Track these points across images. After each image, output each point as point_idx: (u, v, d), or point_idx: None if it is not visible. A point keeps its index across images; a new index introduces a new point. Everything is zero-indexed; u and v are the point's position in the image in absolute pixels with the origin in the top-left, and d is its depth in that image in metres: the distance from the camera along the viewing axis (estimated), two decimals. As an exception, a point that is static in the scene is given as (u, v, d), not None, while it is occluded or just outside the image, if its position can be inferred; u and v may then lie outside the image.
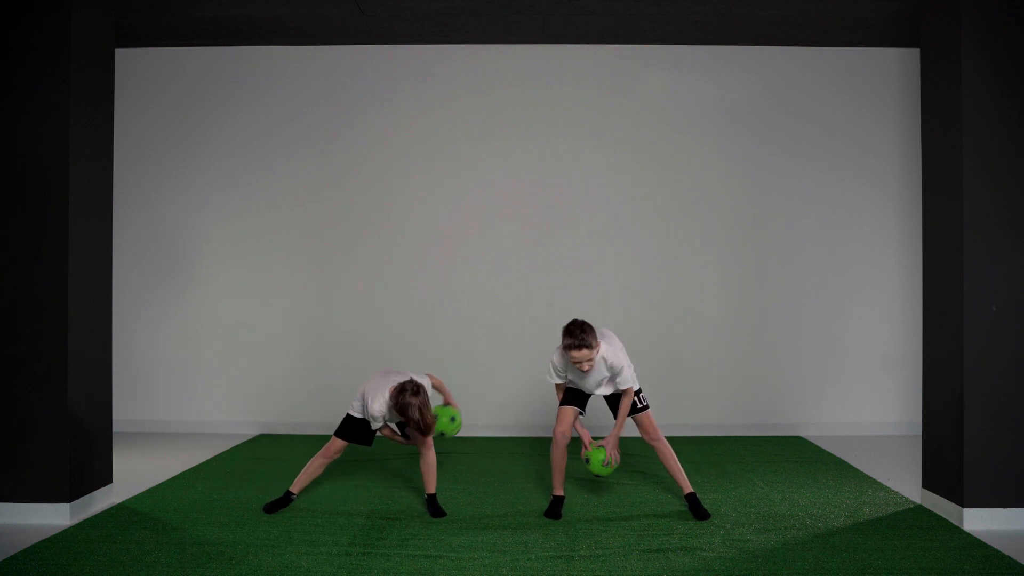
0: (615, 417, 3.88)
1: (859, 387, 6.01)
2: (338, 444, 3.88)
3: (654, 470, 4.80)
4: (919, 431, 5.72)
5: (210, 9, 5.29)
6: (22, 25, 3.73)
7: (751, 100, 6.06)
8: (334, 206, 6.07)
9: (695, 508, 3.83)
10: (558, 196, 6.03)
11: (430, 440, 3.85)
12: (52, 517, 3.69)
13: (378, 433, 3.90)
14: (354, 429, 3.87)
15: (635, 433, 5.64)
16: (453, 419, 4.05)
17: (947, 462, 3.84)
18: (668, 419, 5.65)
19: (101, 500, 4.00)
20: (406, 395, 3.61)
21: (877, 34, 5.74)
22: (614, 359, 3.69)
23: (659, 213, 6.04)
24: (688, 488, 3.89)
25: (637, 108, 6.04)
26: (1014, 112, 3.73)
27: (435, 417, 3.76)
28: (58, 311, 3.71)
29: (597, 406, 4.67)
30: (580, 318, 3.68)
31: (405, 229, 6.05)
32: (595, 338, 3.59)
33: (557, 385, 3.91)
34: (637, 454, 5.25)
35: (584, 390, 3.87)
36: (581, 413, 3.91)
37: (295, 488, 3.93)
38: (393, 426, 3.95)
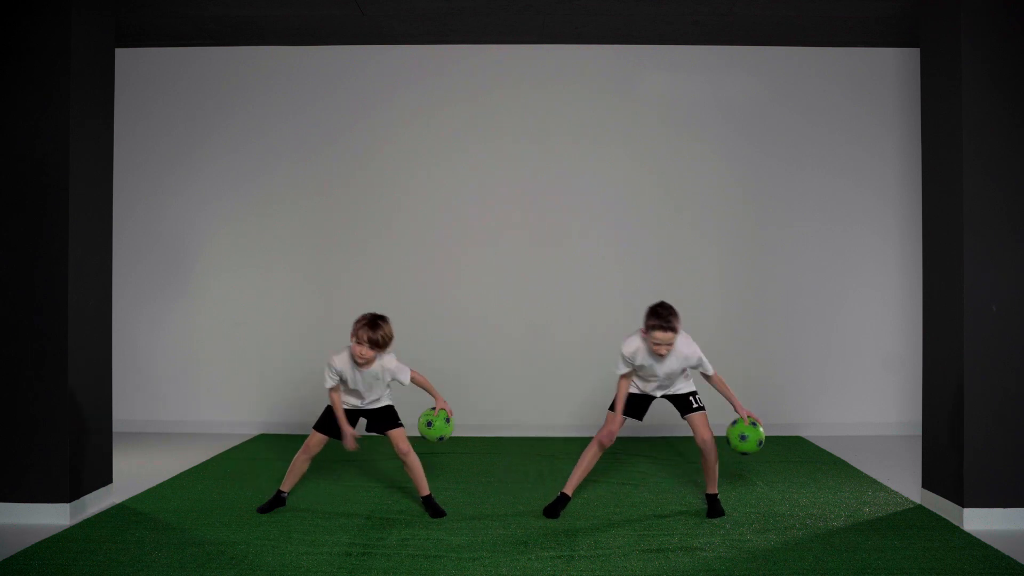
0: (682, 414, 3.86)
1: (859, 387, 6.01)
2: (317, 438, 3.85)
3: (654, 470, 4.80)
4: (919, 431, 5.71)
5: (211, 9, 5.29)
6: (22, 25, 3.73)
7: (751, 100, 6.06)
8: (334, 206, 6.07)
9: (712, 507, 3.85)
10: (558, 196, 6.03)
11: (406, 446, 3.84)
12: (52, 517, 3.69)
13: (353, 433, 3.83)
14: (331, 421, 3.86)
15: (646, 434, 5.66)
16: (448, 420, 3.97)
17: (947, 462, 3.84)
18: (669, 419, 5.65)
19: (101, 500, 4.00)
20: (361, 320, 3.64)
21: (877, 34, 5.74)
22: (688, 350, 3.68)
23: (659, 213, 6.04)
24: (713, 489, 3.89)
25: (637, 108, 6.04)
26: (1014, 111, 3.73)
27: (388, 333, 3.67)
28: (58, 311, 3.71)
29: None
30: (665, 301, 3.66)
31: (405, 228, 6.05)
32: (679, 322, 3.59)
33: (622, 379, 3.80)
34: (638, 454, 5.25)
35: (650, 384, 3.80)
36: (637, 420, 3.90)
37: (284, 487, 3.93)
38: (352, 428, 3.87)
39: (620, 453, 5.27)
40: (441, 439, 3.89)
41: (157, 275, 6.08)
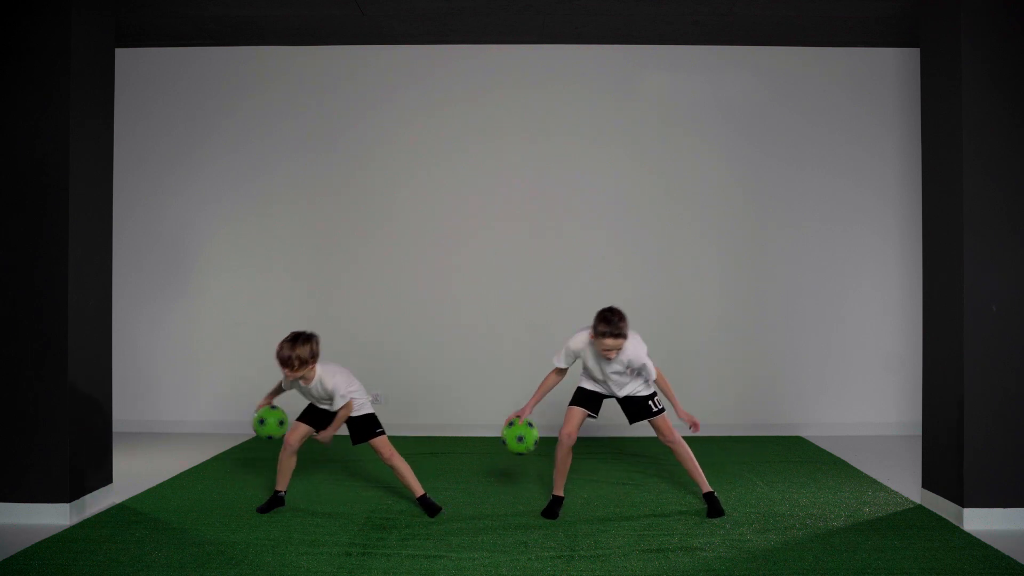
0: (630, 421, 3.88)
1: (859, 387, 6.01)
2: (299, 431, 3.82)
3: (654, 471, 4.80)
4: (919, 431, 5.72)
5: (211, 9, 5.29)
6: (22, 25, 3.73)
7: (751, 100, 6.06)
8: (334, 206, 6.07)
9: (712, 506, 3.85)
10: (558, 196, 6.03)
11: (389, 451, 3.82)
12: (52, 517, 3.69)
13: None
14: (313, 412, 3.85)
15: (646, 434, 5.65)
16: (281, 422, 3.82)
17: (947, 462, 3.84)
18: (670, 419, 5.64)
19: (101, 500, 4.00)
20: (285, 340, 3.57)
21: (877, 34, 5.74)
22: (634, 353, 3.67)
23: (659, 213, 6.04)
24: (706, 487, 3.90)
25: (637, 108, 6.04)
26: (1014, 111, 3.73)
27: (292, 353, 3.55)
28: (58, 311, 3.71)
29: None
30: (614, 306, 3.64)
31: (405, 229, 6.05)
32: (628, 329, 3.59)
33: (555, 371, 3.83)
34: (638, 455, 5.25)
35: (596, 380, 3.82)
36: (591, 416, 3.88)
37: (280, 486, 3.93)
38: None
39: (620, 453, 5.27)
40: (270, 438, 3.84)
41: (157, 275, 6.08)
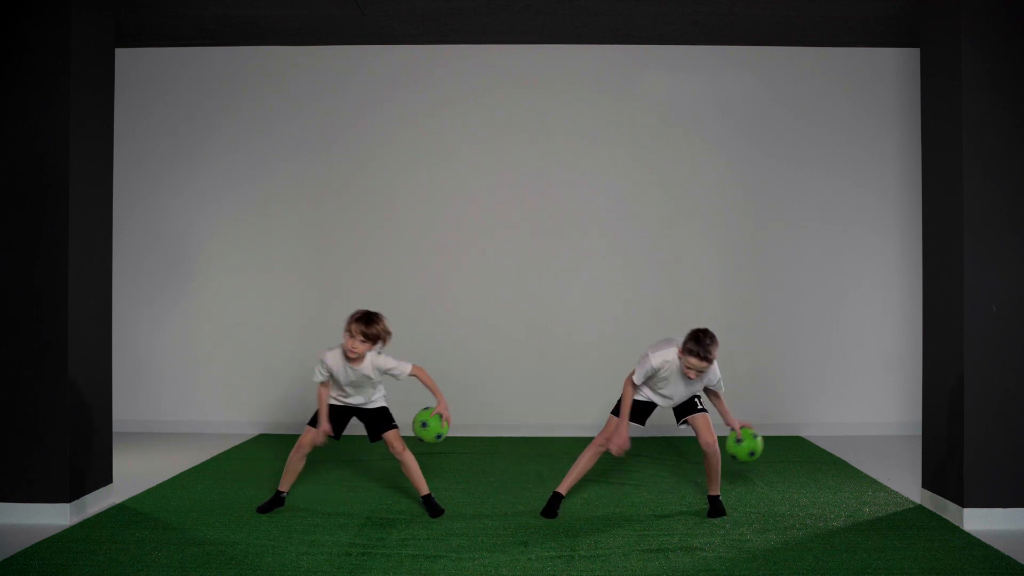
0: (685, 416, 3.85)
1: (859, 387, 6.01)
2: (310, 435, 3.83)
3: (654, 471, 4.80)
4: (919, 431, 5.71)
5: (211, 9, 5.29)
6: (22, 25, 3.73)
7: (751, 100, 6.06)
8: (334, 206, 6.07)
9: (714, 507, 3.85)
10: (558, 196, 6.03)
11: (401, 446, 3.83)
12: (52, 517, 3.69)
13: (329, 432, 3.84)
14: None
15: (646, 434, 5.65)
16: (424, 424, 3.83)
17: (947, 462, 3.84)
18: (669, 419, 5.64)
19: (101, 500, 4.00)
20: (355, 314, 3.62)
21: (877, 34, 5.73)
22: (713, 374, 3.69)
23: (659, 213, 6.04)
24: (715, 491, 3.88)
25: (637, 108, 6.04)
26: (1014, 111, 3.73)
27: (383, 328, 3.65)
28: (58, 311, 3.71)
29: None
30: (706, 328, 3.61)
31: (405, 229, 6.05)
32: (716, 352, 3.56)
33: (631, 386, 3.76)
34: (638, 455, 5.25)
35: (665, 399, 3.79)
36: (639, 424, 3.88)
37: (283, 487, 3.92)
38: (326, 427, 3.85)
39: (620, 453, 5.26)
40: (439, 437, 3.81)
41: (157, 275, 6.08)
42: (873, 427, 5.99)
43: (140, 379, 6.05)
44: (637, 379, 3.71)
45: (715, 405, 3.89)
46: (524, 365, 5.96)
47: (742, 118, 6.05)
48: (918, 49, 5.55)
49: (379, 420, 3.87)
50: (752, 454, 3.79)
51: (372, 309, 3.75)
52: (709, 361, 3.53)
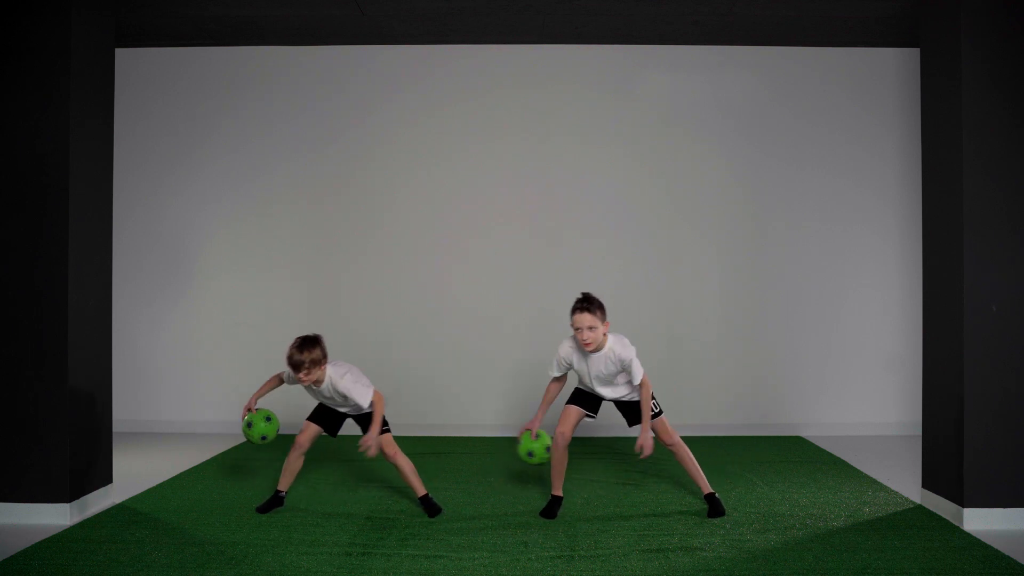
0: (629, 423, 3.88)
1: (859, 387, 6.01)
2: (310, 431, 3.83)
3: (654, 471, 4.80)
4: (919, 431, 5.71)
5: (211, 9, 5.29)
6: (22, 25, 3.73)
7: (751, 100, 6.06)
8: (334, 206, 6.07)
9: (713, 506, 3.84)
10: (558, 196, 6.03)
11: (393, 449, 3.82)
12: (52, 517, 3.69)
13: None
14: (322, 412, 3.87)
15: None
16: (268, 419, 3.80)
17: (947, 462, 3.84)
18: (669, 419, 5.64)
19: (101, 500, 4.00)
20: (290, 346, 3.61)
21: (877, 34, 5.74)
22: (623, 352, 3.67)
23: (659, 213, 6.04)
24: (707, 489, 3.89)
25: (637, 108, 6.04)
26: (1014, 111, 3.73)
27: (303, 358, 3.58)
28: (58, 311, 3.71)
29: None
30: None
31: (405, 229, 6.05)
32: (602, 312, 3.62)
33: (553, 381, 3.85)
34: (637, 454, 5.25)
35: (590, 386, 3.81)
36: (590, 416, 3.87)
37: (281, 486, 3.92)
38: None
39: (620, 453, 5.27)
40: (264, 439, 3.79)
41: (157, 275, 6.08)
42: (873, 427, 5.99)
43: (140, 379, 6.06)
44: (551, 371, 3.83)
45: (640, 396, 3.79)
46: (524, 365, 5.96)
47: (742, 118, 6.05)
48: (918, 49, 5.55)
49: (369, 423, 3.83)
50: (530, 455, 3.75)
51: (307, 334, 3.69)
52: (591, 313, 3.58)
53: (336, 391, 3.70)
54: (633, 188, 6.03)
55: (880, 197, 6.06)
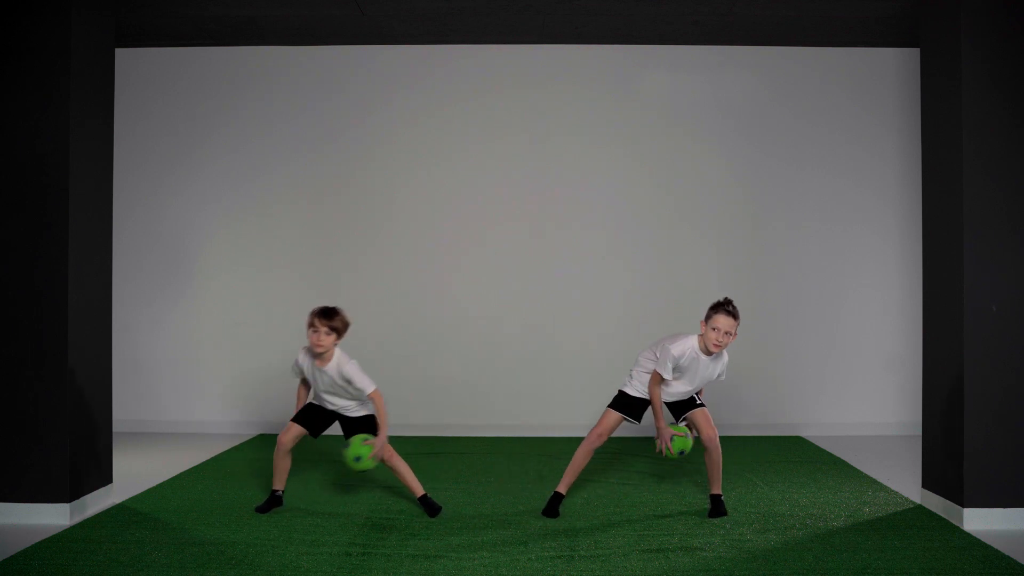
0: (678, 419, 3.92)
1: (859, 387, 6.01)
2: (292, 432, 3.81)
3: (654, 471, 4.80)
4: (919, 431, 5.69)
5: (211, 9, 5.29)
6: (22, 25, 3.73)
7: (751, 100, 6.06)
8: (334, 206, 6.07)
9: (715, 507, 3.84)
10: (558, 196, 6.03)
11: (388, 452, 3.81)
12: (52, 517, 3.69)
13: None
14: (307, 413, 3.87)
15: (646, 434, 5.65)
16: (358, 459, 3.64)
17: (947, 462, 3.84)
18: (669, 418, 5.64)
19: (101, 500, 4.00)
20: (315, 310, 3.66)
21: (877, 34, 5.74)
22: (726, 357, 3.77)
23: (659, 213, 6.04)
24: (717, 490, 3.88)
25: (637, 108, 6.04)
26: (1014, 111, 3.73)
27: (343, 320, 3.69)
28: (58, 311, 3.71)
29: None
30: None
31: (405, 229, 6.05)
32: (737, 323, 3.64)
33: (657, 382, 3.72)
34: (638, 455, 5.25)
35: (675, 395, 3.80)
36: (633, 421, 3.86)
37: (276, 486, 3.92)
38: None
39: (620, 453, 5.27)
40: (364, 471, 3.76)
41: (157, 275, 6.08)
42: (873, 427, 5.99)
43: (140, 379, 6.05)
44: (665, 373, 3.68)
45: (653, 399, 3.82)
46: (524, 365, 5.96)
47: (742, 118, 6.05)
48: (918, 49, 5.55)
49: (364, 428, 3.83)
50: (682, 452, 3.75)
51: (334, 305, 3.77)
52: (737, 318, 3.61)
53: (341, 374, 3.70)
54: (633, 188, 6.03)
55: (880, 197, 6.05)
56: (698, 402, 3.87)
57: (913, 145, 6.00)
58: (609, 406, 3.87)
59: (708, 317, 3.65)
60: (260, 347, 6.03)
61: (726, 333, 3.61)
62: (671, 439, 3.70)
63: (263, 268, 6.06)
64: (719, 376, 3.83)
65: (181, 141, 6.10)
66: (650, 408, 3.82)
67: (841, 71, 6.06)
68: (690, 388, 3.80)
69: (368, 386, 3.71)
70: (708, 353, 3.69)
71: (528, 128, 6.04)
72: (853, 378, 6.02)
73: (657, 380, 3.73)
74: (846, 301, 6.04)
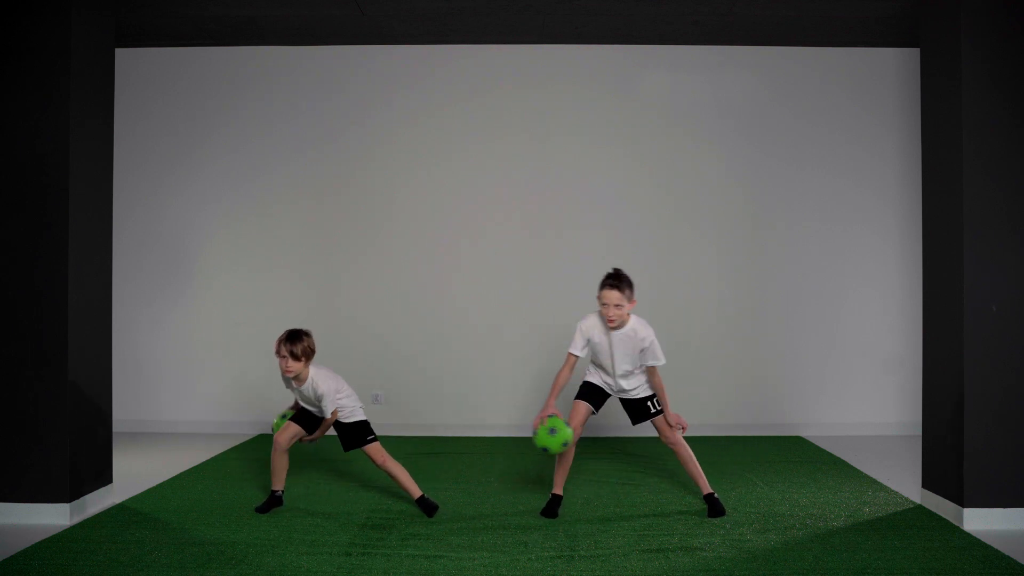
0: (633, 422, 3.91)
1: (859, 387, 6.01)
2: (287, 433, 3.84)
3: (654, 470, 4.80)
4: (919, 431, 5.71)
5: (211, 9, 5.29)
6: (22, 25, 3.73)
7: (751, 100, 6.06)
8: (334, 206, 6.07)
9: (712, 507, 3.84)
10: (558, 196, 6.03)
11: (382, 458, 3.85)
12: (52, 517, 3.69)
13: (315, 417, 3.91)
14: (303, 413, 3.90)
15: (646, 434, 5.65)
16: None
17: (947, 462, 3.84)
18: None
19: (101, 500, 4.00)
20: (282, 335, 3.69)
21: (877, 34, 5.74)
22: (645, 332, 3.72)
23: (659, 213, 6.04)
24: (707, 489, 3.89)
25: (637, 108, 6.04)
26: (1014, 111, 3.73)
27: (308, 346, 3.70)
28: (58, 311, 3.71)
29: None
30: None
31: (405, 229, 6.05)
32: (630, 291, 3.65)
33: (565, 367, 3.76)
34: (638, 455, 5.25)
35: (608, 365, 3.79)
36: (593, 412, 3.88)
37: (276, 486, 3.93)
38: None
39: (620, 453, 5.27)
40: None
41: (157, 275, 6.08)
42: (873, 427, 5.99)
43: (140, 379, 6.06)
44: (575, 349, 3.78)
45: (652, 384, 3.84)
46: (524, 365, 5.96)
47: (742, 118, 6.05)
48: (918, 49, 5.55)
49: (356, 434, 3.86)
50: (545, 450, 3.64)
51: (297, 327, 3.79)
52: (620, 290, 3.61)
53: (315, 392, 3.75)
54: (633, 188, 6.03)
55: (880, 197, 6.06)
56: (653, 410, 3.85)
57: (913, 145, 6.00)
58: (576, 398, 3.90)
59: (598, 293, 3.68)
60: (260, 347, 6.02)
61: (616, 306, 3.63)
62: (547, 417, 3.65)
63: (263, 268, 6.06)
64: (646, 353, 3.71)
65: (181, 141, 6.10)
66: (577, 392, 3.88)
67: (841, 71, 6.06)
68: (616, 369, 3.78)
69: (329, 407, 3.76)
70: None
71: (528, 128, 6.04)
72: (853, 378, 6.02)
73: (570, 363, 3.80)
74: (846, 301, 6.04)
